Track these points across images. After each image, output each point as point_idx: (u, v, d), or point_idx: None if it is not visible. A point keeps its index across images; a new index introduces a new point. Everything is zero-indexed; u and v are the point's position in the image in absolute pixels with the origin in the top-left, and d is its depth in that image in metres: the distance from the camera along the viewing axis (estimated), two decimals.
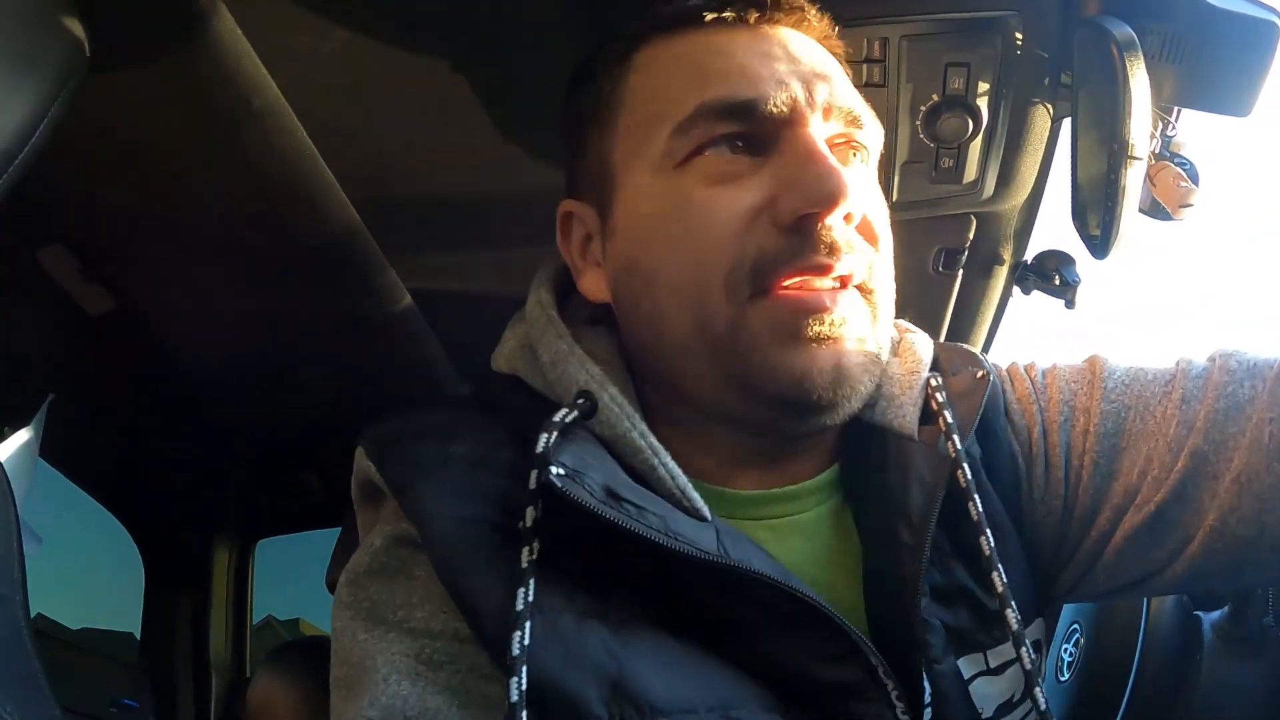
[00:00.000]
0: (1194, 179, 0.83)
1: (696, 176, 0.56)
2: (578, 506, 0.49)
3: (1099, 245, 0.83)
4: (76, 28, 0.72)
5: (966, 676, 0.56)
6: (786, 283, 0.54)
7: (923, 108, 0.82)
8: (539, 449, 0.51)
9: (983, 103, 0.82)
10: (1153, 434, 0.60)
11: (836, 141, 0.59)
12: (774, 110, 0.55)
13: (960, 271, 1.09)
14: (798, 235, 0.54)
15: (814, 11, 0.63)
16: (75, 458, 1.50)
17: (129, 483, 1.61)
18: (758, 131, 0.56)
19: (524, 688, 0.47)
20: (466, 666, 0.52)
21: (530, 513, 0.51)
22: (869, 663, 0.51)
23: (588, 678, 0.48)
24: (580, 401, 0.56)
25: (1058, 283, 1.05)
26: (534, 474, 0.51)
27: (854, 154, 0.60)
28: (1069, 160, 0.86)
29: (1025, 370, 0.69)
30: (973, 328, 1.21)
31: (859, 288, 0.57)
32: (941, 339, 1.19)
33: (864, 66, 0.80)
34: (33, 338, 1.20)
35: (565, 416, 0.54)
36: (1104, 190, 0.77)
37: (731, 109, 0.55)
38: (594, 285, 0.64)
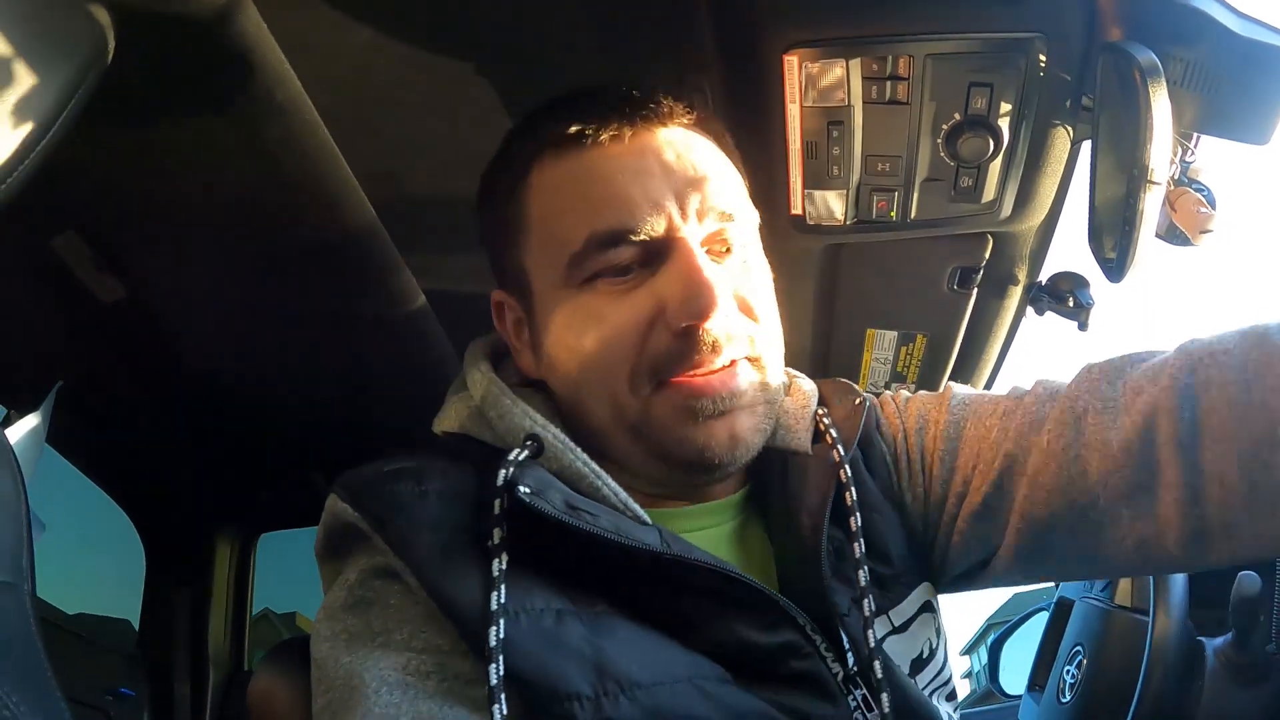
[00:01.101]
0: (1213, 204, 0.83)
1: (596, 294, 0.66)
2: (544, 517, 0.58)
3: (1114, 268, 0.84)
4: (102, 15, 0.72)
5: (879, 636, 0.66)
6: (680, 375, 0.64)
7: (944, 126, 0.83)
8: (499, 481, 0.60)
9: (1004, 123, 0.82)
10: (981, 438, 0.74)
11: (713, 240, 0.68)
12: (650, 235, 0.64)
13: (975, 290, 1.09)
14: (685, 338, 0.64)
15: (680, 108, 0.70)
16: (82, 445, 1.49)
17: (135, 473, 1.61)
18: (641, 251, 0.65)
19: (502, 673, 0.54)
20: (452, 674, 0.57)
21: (497, 532, 0.60)
22: (798, 624, 0.63)
23: (571, 662, 0.56)
24: (529, 443, 0.65)
25: (1071, 304, 1.05)
26: (497, 501, 0.60)
27: (727, 251, 0.69)
28: (1087, 183, 0.86)
29: (892, 397, 0.84)
30: (985, 347, 1.21)
31: (746, 359, 0.67)
32: (953, 357, 1.19)
33: (887, 84, 0.80)
34: (44, 324, 1.20)
35: (518, 455, 0.63)
36: (1122, 214, 0.77)
37: (615, 238, 0.65)
38: (529, 364, 0.74)
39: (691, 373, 0.64)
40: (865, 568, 0.67)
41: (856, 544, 0.68)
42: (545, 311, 0.69)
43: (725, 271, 0.67)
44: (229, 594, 1.79)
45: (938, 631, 0.75)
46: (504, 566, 0.58)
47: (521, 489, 0.58)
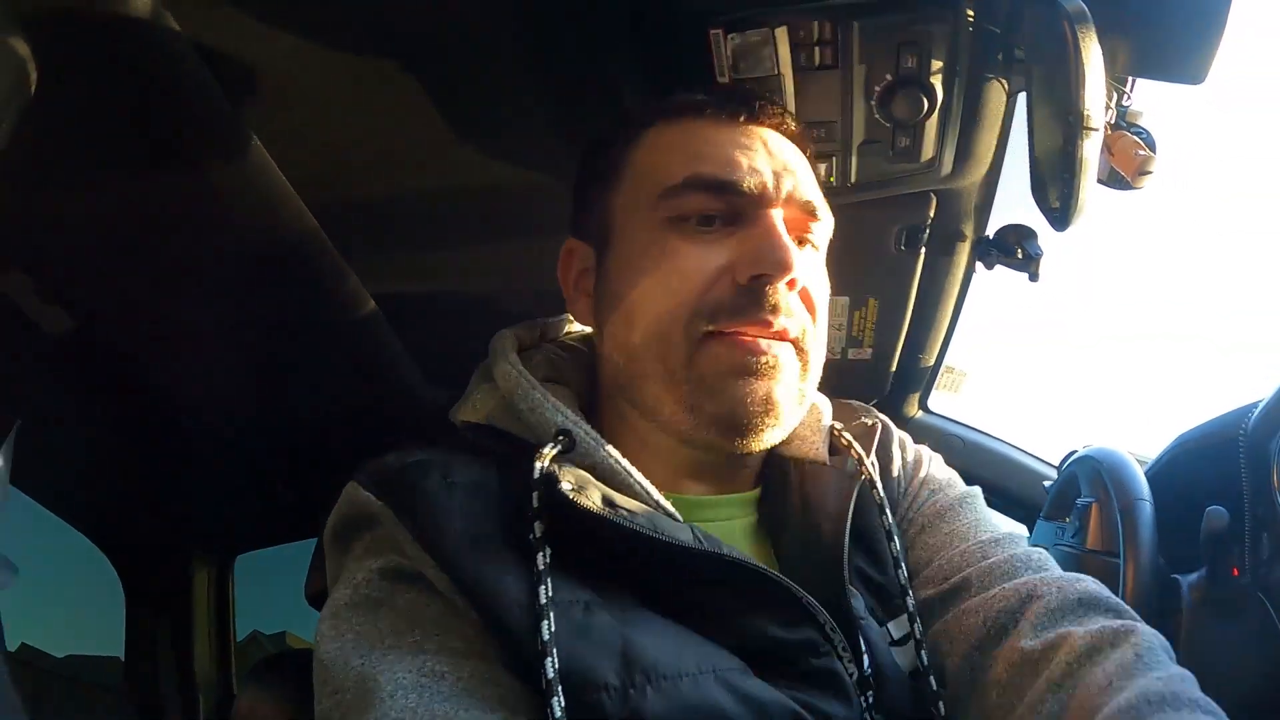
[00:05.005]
0: (1152, 146, 0.84)
1: (678, 234, 0.69)
2: (586, 514, 0.60)
3: (1059, 218, 0.84)
4: (21, 46, 0.71)
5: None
6: (733, 329, 0.66)
7: (877, 88, 0.82)
8: (536, 475, 0.62)
9: (936, 81, 0.82)
10: (951, 545, 0.76)
11: (794, 227, 0.71)
12: (746, 190, 0.68)
13: (923, 249, 1.09)
14: (750, 295, 0.67)
15: (790, 118, 0.77)
16: (45, 482, 1.47)
17: (101, 505, 1.58)
18: (731, 207, 0.69)
19: (559, 667, 0.55)
20: (467, 674, 0.57)
21: (539, 526, 0.61)
22: (818, 623, 0.63)
23: (600, 652, 0.56)
24: (561, 438, 0.66)
25: (1020, 256, 1.06)
26: (535, 494, 0.62)
27: (804, 243, 0.74)
28: (1026, 134, 0.86)
29: (907, 442, 0.86)
30: (938, 305, 1.22)
31: (794, 343, 0.69)
32: (908, 318, 1.20)
33: (816, 49, 0.80)
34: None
35: (553, 448, 0.65)
36: (1062, 162, 0.78)
37: (712, 184, 0.68)
38: (582, 311, 0.77)
39: (745, 327, 0.66)
40: (899, 569, 0.72)
41: (891, 544, 0.72)
42: (622, 247, 0.72)
43: (801, 255, 0.70)
44: (210, 618, 1.78)
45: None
46: (548, 560, 0.59)
47: (564, 486, 0.60)
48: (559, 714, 0.53)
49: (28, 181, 0.87)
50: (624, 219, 0.73)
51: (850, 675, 0.63)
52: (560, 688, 0.54)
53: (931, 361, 1.41)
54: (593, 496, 0.61)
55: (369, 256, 1.14)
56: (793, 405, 0.70)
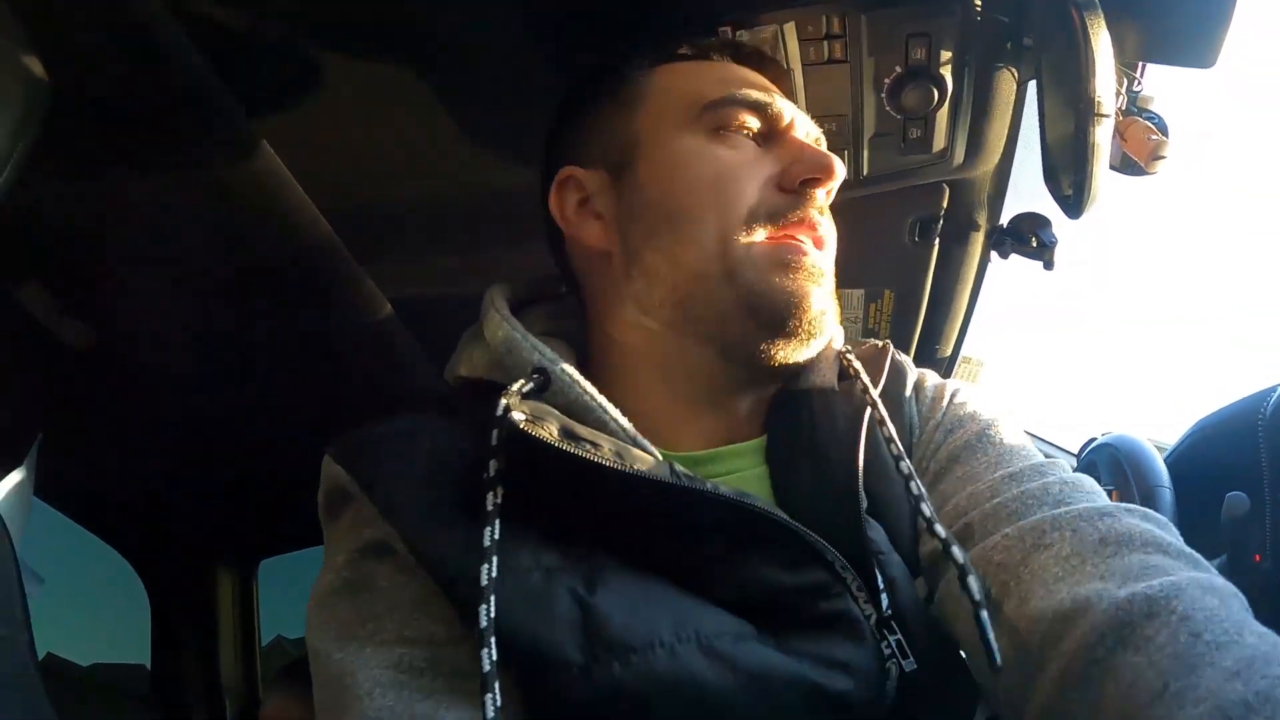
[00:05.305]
0: (1164, 131, 0.83)
1: (723, 145, 0.69)
2: (538, 445, 0.55)
3: (1073, 205, 0.84)
4: (36, 65, 0.72)
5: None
6: (783, 230, 0.67)
7: (886, 80, 0.82)
8: (498, 412, 0.57)
9: (946, 71, 0.82)
10: (964, 488, 0.65)
11: None
12: (781, 113, 0.71)
13: (937, 241, 1.09)
14: (799, 195, 0.68)
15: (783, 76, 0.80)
16: (70, 493, 1.49)
17: (125, 515, 1.60)
18: (767, 127, 0.71)
19: (493, 614, 0.51)
20: (447, 669, 0.54)
21: (493, 465, 0.57)
22: (826, 561, 0.57)
23: (560, 625, 0.52)
24: (535, 375, 0.63)
25: (1035, 245, 1.05)
26: (495, 431, 0.57)
27: None
28: (1038, 122, 0.86)
29: (931, 378, 0.78)
30: (953, 296, 1.21)
31: (823, 269, 0.68)
32: (923, 309, 1.20)
33: (825, 43, 0.80)
34: (18, 375, 1.19)
35: (522, 386, 0.61)
36: (1074, 150, 0.77)
37: (751, 104, 0.70)
38: (594, 234, 0.73)
39: (796, 229, 0.67)
40: (915, 491, 0.62)
41: (901, 463, 0.64)
42: (655, 162, 0.71)
43: None
44: (235, 624, 1.79)
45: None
46: (499, 500, 0.55)
47: (515, 415, 0.56)
48: (487, 667, 0.49)
49: (45, 194, 0.88)
50: (654, 136, 0.71)
51: (868, 617, 0.57)
52: (494, 639, 0.50)
53: (949, 352, 1.40)
54: (549, 428, 0.56)
55: (385, 261, 1.14)
56: (833, 316, 0.69)
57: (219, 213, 0.96)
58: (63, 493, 1.46)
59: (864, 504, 0.61)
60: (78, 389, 1.24)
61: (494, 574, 0.52)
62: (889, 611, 0.58)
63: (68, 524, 1.54)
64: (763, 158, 0.69)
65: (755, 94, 0.70)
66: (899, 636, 0.57)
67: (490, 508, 0.55)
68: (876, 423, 0.67)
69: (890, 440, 0.66)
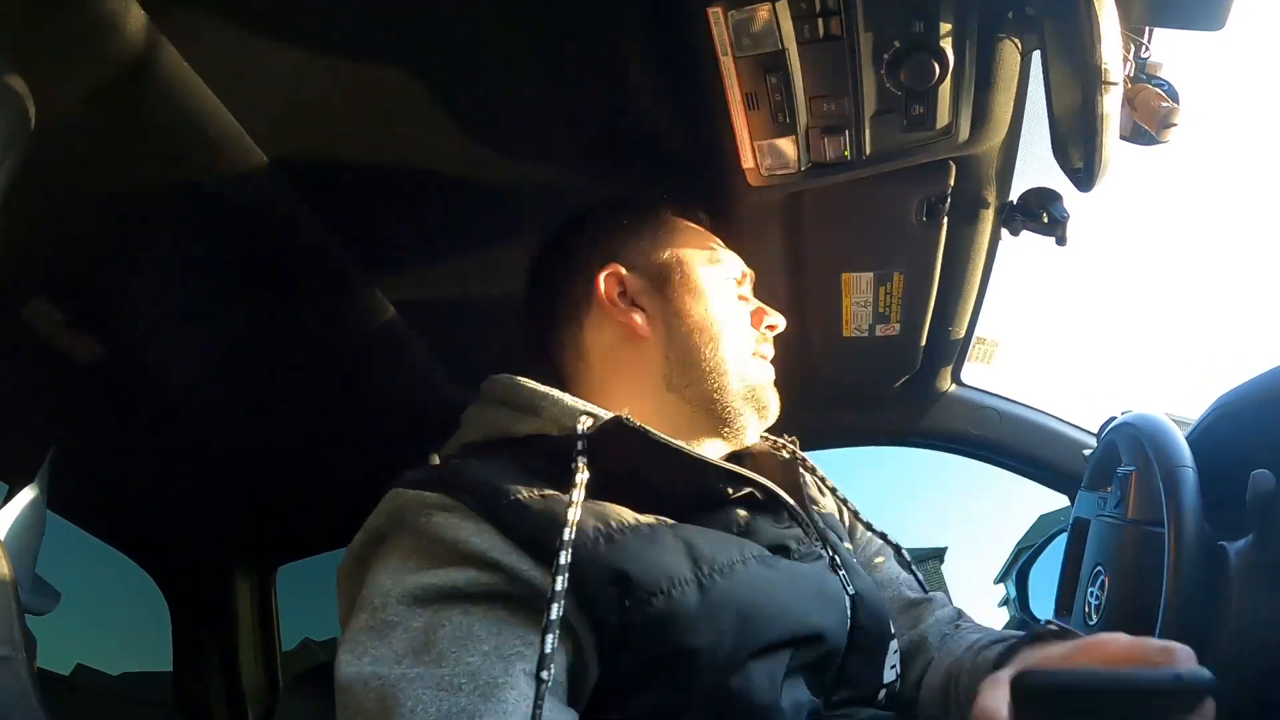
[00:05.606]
0: (1174, 98, 0.81)
1: (738, 294, 0.98)
2: (655, 442, 0.77)
3: (1084, 177, 0.82)
4: (19, 84, 0.73)
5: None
6: (762, 356, 0.97)
7: (885, 55, 0.80)
8: (580, 430, 0.78)
9: (946, 44, 0.79)
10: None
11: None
12: (747, 274, 1.01)
13: (945, 220, 1.07)
14: (764, 335, 0.98)
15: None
16: (84, 506, 1.50)
17: (140, 525, 1.61)
18: (740, 280, 1.00)
19: (569, 559, 0.67)
20: (484, 682, 0.63)
21: (581, 461, 0.75)
22: (800, 522, 0.87)
23: (672, 551, 0.73)
24: (584, 417, 0.80)
25: (1046, 220, 1.02)
26: (579, 443, 0.76)
27: None
28: (1044, 94, 0.84)
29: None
30: (965, 276, 1.19)
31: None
32: (934, 290, 1.18)
33: (819, 20, 0.77)
34: (29, 391, 1.20)
35: (586, 422, 0.79)
36: (1082, 120, 0.76)
37: (741, 271, 1.00)
38: (634, 322, 0.93)
39: (765, 355, 0.98)
40: (832, 494, 1.05)
41: (828, 483, 1.05)
42: (693, 286, 0.94)
43: None
44: (254, 628, 1.80)
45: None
46: (586, 477, 0.73)
47: (625, 413, 0.77)
48: (559, 586, 0.65)
49: (46, 213, 0.88)
50: (693, 268, 0.95)
51: (832, 558, 0.87)
52: (561, 578, 0.66)
53: (962, 334, 1.38)
54: (655, 434, 0.77)
55: (389, 264, 1.15)
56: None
57: (214, 219, 0.97)
58: (77, 506, 1.48)
59: (807, 500, 0.94)
60: (87, 403, 1.25)
61: (577, 516, 0.69)
62: (832, 555, 0.88)
63: (86, 538, 1.55)
64: (749, 308, 0.99)
65: (742, 268, 1.00)
66: (844, 572, 0.87)
67: (577, 482, 0.72)
68: (802, 464, 0.99)
69: (814, 472, 1.02)
